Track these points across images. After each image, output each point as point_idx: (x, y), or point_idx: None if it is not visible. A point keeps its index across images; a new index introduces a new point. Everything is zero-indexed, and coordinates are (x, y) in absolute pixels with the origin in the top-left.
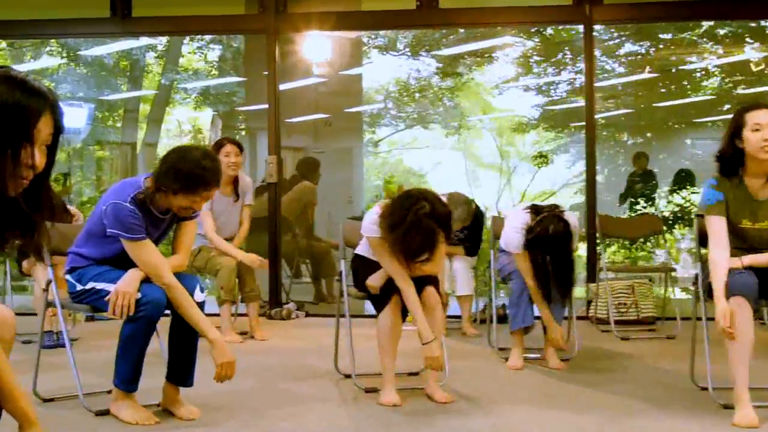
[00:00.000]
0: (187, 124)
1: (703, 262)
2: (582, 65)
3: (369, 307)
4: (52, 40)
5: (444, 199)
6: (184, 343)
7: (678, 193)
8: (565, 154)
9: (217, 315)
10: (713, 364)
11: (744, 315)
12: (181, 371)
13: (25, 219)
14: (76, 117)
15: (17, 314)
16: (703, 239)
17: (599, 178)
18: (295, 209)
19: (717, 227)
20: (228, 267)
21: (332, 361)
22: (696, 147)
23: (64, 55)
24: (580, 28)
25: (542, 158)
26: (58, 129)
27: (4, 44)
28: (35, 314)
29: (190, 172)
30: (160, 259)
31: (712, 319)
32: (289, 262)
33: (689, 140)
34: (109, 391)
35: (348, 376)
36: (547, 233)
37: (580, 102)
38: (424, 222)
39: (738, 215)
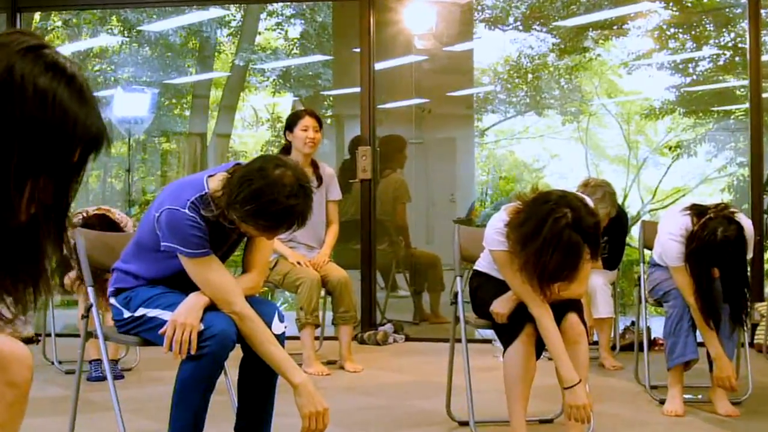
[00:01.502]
0: (264, 111)
1: None
2: (728, 38)
3: (484, 332)
4: (113, 18)
5: (584, 194)
6: (260, 386)
7: None
8: (705, 145)
9: (297, 338)
10: None
11: None
12: (254, 422)
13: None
14: (138, 104)
15: (64, 335)
16: None
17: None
18: (387, 207)
19: None
20: (310, 282)
21: (443, 402)
22: None
23: (125, 32)
24: None
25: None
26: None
27: (59, 22)
28: None
29: (275, 211)
30: (230, 281)
31: None
32: (383, 274)
33: None
34: None
35: (464, 424)
36: (715, 239)
37: (729, 82)
38: (565, 235)
39: None
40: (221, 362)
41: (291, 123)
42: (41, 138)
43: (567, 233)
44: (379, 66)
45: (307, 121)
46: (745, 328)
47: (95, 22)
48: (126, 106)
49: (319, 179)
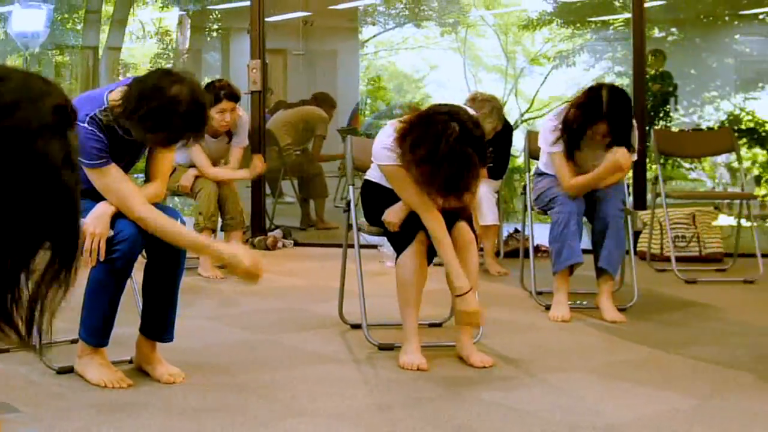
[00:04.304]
0: (151, 25)
1: None
2: None
3: (369, 238)
4: None
5: (472, 108)
6: (163, 289)
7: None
8: (583, 55)
9: None
10: None
11: None
12: (158, 324)
13: None
14: (34, 19)
15: None
16: None
17: (622, 81)
18: (298, 134)
19: None
20: (208, 190)
21: (334, 305)
22: (745, 44)
23: None
24: None
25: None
26: None
27: None
28: None
29: (171, 126)
30: (129, 187)
31: None
32: (271, 182)
33: (738, 35)
34: (75, 341)
35: (357, 327)
36: (600, 97)
37: None
38: (459, 150)
39: None
40: (130, 266)
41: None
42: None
43: (459, 146)
44: None
45: (224, 104)
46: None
47: None
48: (23, 20)
49: (229, 137)
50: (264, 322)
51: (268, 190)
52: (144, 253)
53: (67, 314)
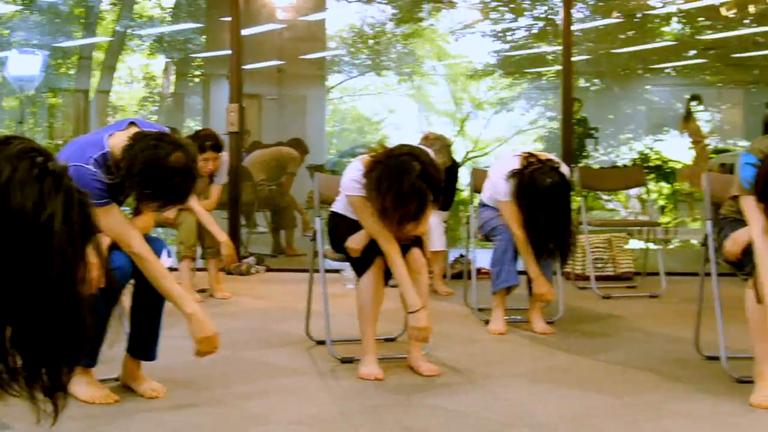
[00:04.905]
0: (139, 71)
1: (715, 219)
2: (541, 10)
3: (332, 263)
4: None
5: (426, 146)
6: (148, 313)
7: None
8: (520, 101)
9: (176, 269)
10: (709, 330)
11: None
12: (143, 344)
13: None
14: (30, 64)
15: None
16: (715, 197)
17: (553, 125)
18: (272, 172)
19: (757, 211)
20: (189, 222)
21: (301, 324)
22: (655, 94)
23: (19, 1)
24: None
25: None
26: None
27: None
28: None
29: (168, 195)
30: (128, 226)
31: (727, 274)
32: (245, 213)
33: (649, 86)
34: None
35: (321, 343)
36: (544, 185)
37: (541, 47)
38: (417, 187)
39: None
40: (120, 292)
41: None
42: None
43: (418, 184)
44: (245, 32)
45: (208, 154)
46: (569, 262)
47: None
48: (19, 65)
49: (211, 179)
50: (238, 340)
51: (243, 221)
52: (132, 280)
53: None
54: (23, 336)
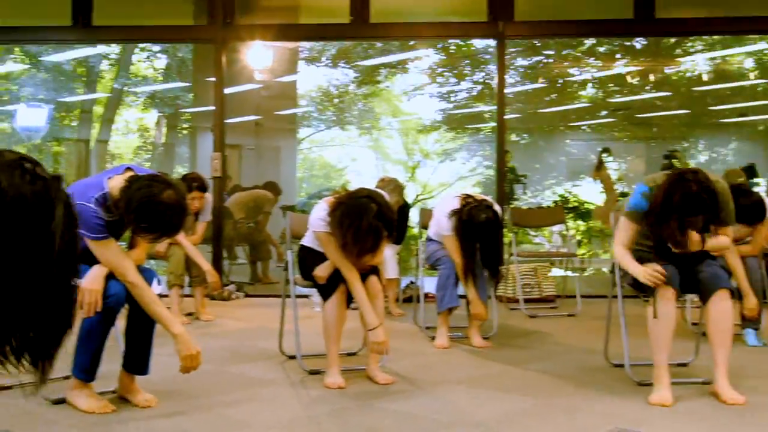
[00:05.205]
0: (134, 123)
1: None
2: (480, 76)
3: (302, 289)
4: (16, 48)
5: (382, 187)
6: (141, 333)
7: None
8: (462, 152)
9: (166, 296)
10: (616, 342)
11: (669, 303)
12: (137, 361)
13: None
14: (36, 117)
15: None
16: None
17: (490, 172)
18: (250, 212)
19: (630, 231)
20: (178, 254)
21: (275, 341)
22: (573, 147)
23: (27, 61)
24: (490, 42)
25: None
26: None
27: None
28: None
29: (161, 229)
30: (124, 258)
31: (630, 296)
32: (227, 247)
33: (569, 140)
34: (67, 377)
35: (292, 357)
36: (479, 221)
37: (479, 107)
38: (374, 223)
39: None
40: (116, 315)
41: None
42: None
43: (375, 222)
44: (228, 91)
45: (195, 194)
46: (496, 283)
47: (2, 50)
48: (27, 117)
49: (196, 217)
50: (220, 356)
51: (225, 254)
52: (126, 305)
53: (60, 355)
54: (20, 309)
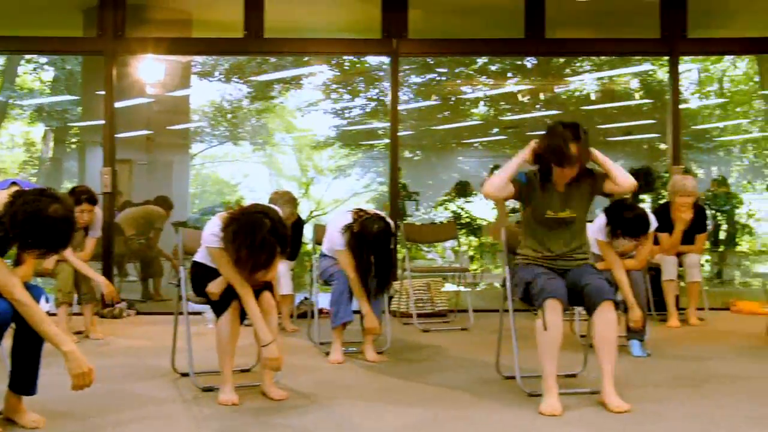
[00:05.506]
0: (20, 137)
1: (511, 266)
2: (374, 92)
3: (194, 306)
4: None
5: (276, 200)
6: (28, 352)
7: (453, 202)
8: (356, 168)
9: (55, 314)
10: (507, 355)
11: (556, 315)
12: (24, 381)
13: None
14: None
15: None
16: (510, 247)
17: (384, 188)
18: (141, 227)
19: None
20: (66, 271)
21: (168, 359)
22: (465, 164)
23: None
24: (384, 59)
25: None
26: None
27: None
28: None
29: (47, 244)
30: (10, 275)
31: (521, 310)
32: (118, 264)
33: (461, 157)
34: None
35: (185, 375)
36: (372, 232)
37: (373, 123)
38: (268, 241)
39: (544, 206)
40: (2, 334)
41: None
42: None
43: (268, 238)
44: (118, 105)
45: (84, 206)
46: (388, 295)
47: None
48: None
49: (86, 232)
50: (111, 375)
51: (115, 271)
52: (13, 324)
53: None
54: None
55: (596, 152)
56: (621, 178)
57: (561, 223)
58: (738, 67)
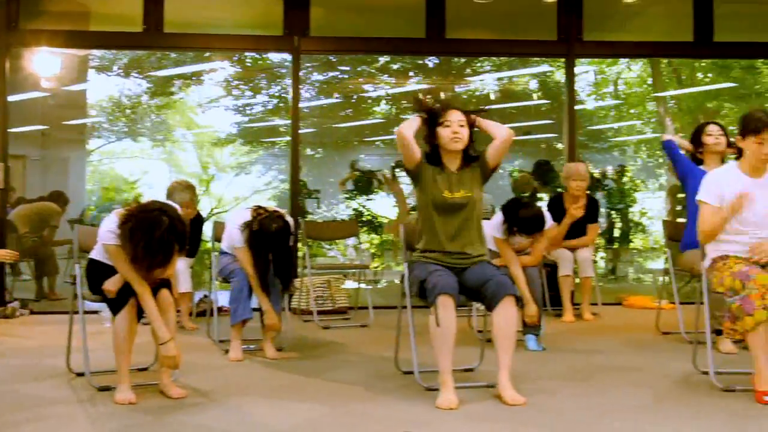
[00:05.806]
0: None
1: (409, 263)
2: (276, 89)
3: (91, 304)
4: None
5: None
6: None
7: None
8: (257, 166)
9: None
10: (406, 351)
11: (448, 311)
12: None
13: None
14: None
15: None
16: (409, 243)
17: (286, 186)
18: (35, 225)
19: None
20: None
21: (63, 359)
22: (367, 162)
23: None
24: (286, 56)
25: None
26: None
27: None
28: None
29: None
30: None
31: (419, 307)
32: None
33: (363, 155)
34: None
35: (81, 375)
36: (270, 230)
37: (275, 121)
38: (165, 239)
39: (441, 188)
40: None
41: None
42: None
43: (166, 236)
44: (11, 98)
45: None
46: (289, 295)
47: None
48: None
49: None
50: (4, 375)
51: (8, 269)
52: None
53: None
54: None
55: (477, 117)
56: (497, 131)
57: (456, 208)
58: (632, 70)
